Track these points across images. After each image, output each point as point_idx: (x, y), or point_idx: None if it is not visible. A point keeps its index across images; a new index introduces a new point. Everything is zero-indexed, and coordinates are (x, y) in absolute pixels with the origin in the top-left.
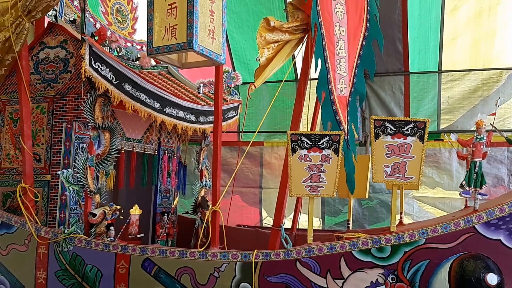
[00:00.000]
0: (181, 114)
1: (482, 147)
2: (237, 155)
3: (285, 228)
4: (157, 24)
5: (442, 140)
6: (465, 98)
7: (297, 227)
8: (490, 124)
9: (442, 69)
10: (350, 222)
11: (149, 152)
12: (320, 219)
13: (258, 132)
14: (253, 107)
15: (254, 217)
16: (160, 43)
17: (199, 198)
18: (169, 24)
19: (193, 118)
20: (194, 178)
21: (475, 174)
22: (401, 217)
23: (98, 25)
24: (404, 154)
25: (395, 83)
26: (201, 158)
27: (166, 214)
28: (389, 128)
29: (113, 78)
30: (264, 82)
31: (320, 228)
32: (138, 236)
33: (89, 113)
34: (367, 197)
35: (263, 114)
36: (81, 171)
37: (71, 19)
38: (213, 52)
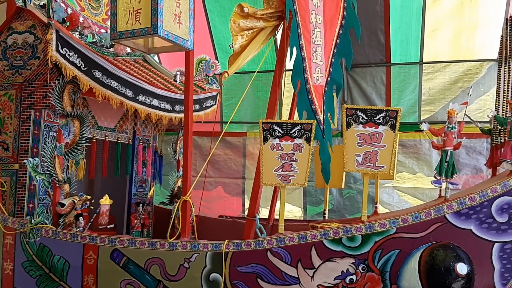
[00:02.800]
0: (155, 102)
1: (453, 136)
2: (221, 146)
3: (261, 219)
4: (121, 7)
5: (423, 131)
6: (445, 89)
7: (274, 218)
8: (465, 114)
9: (423, 61)
10: (326, 211)
11: (122, 141)
12: (302, 209)
13: (241, 122)
14: (236, 97)
15: (237, 207)
16: (124, 28)
17: (176, 189)
18: (133, 8)
19: (168, 106)
20: (170, 168)
21: (446, 164)
22: (376, 207)
23: (69, 11)
24: (375, 143)
25: (377, 74)
26: (177, 148)
27: (141, 205)
28: (361, 117)
29: (82, 65)
30: (247, 72)
31: (302, 218)
32: (108, 226)
33: (57, 101)
34: (343, 187)
35: (246, 104)
36: (49, 160)
37: (40, 4)
38: (179, 37)
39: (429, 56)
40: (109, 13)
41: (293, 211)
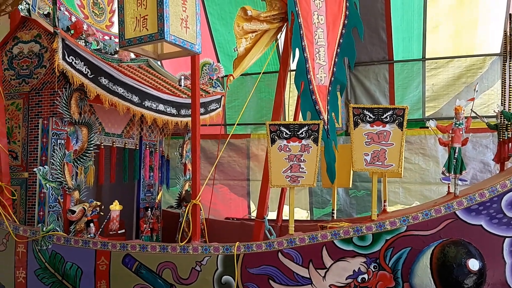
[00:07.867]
0: (161, 107)
1: (461, 132)
2: (224, 148)
3: (270, 220)
4: (128, 15)
5: (428, 127)
6: (449, 85)
7: (282, 219)
8: (471, 110)
9: (426, 57)
10: (335, 211)
11: (130, 146)
12: (308, 211)
13: (244, 124)
14: (239, 99)
15: (243, 209)
16: (132, 35)
17: (183, 192)
18: (140, 14)
19: (173, 111)
20: (177, 172)
21: (454, 160)
22: (384, 205)
23: (73, 19)
24: (383, 142)
25: (380, 72)
26: (184, 152)
27: (150, 209)
28: (368, 116)
29: (88, 72)
30: (249, 74)
31: (309, 219)
32: (119, 232)
33: (65, 109)
34: (350, 186)
35: (249, 106)
36: (58, 167)
37: (45, 13)
38: (187, 41)
39: (431, 52)
40: (113, 20)
41: (299, 212)
